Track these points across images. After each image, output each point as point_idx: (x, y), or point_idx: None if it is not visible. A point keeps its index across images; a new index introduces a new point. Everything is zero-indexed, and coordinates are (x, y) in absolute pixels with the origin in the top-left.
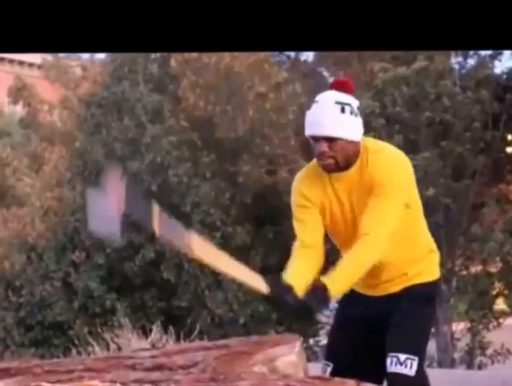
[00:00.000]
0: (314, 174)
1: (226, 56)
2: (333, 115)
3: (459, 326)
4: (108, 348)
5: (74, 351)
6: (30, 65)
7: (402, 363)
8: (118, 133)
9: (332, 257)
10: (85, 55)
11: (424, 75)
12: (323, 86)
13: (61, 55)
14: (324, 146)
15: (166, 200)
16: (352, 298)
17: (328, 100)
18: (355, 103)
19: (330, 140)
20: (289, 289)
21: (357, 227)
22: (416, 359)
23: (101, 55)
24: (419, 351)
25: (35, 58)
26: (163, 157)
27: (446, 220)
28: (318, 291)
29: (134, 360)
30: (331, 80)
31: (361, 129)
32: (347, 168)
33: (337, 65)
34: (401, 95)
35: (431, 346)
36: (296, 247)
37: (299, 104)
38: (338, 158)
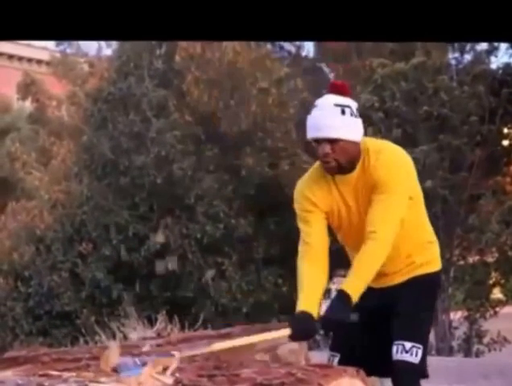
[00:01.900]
0: (318, 177)
1: (229, 52)
2: (334, 117)
3: (456, 315)
4: (114, 337)
5: (81, 340)
6: (39, 62)
7: (407, 351)
8: (124, 128)
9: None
10: (92, 52)
11: (422, 71)
12: (323, 81)
13: (69, 51)
14: (327, 148)
15: (171, 193)
16: None
17: (327, 103)
18: (354, 105)
19: (332, 141)
20: (306, 319)
21: (364, 227)
22: (421, 347)
23: (107, 52)
24: (423, 339)
25: (44, 55)
26: (168, 150)
27: (444, 212)
28: (340, 301)
29: (140, 349)
30: (331, 76)
31: (361, 130)
32: (350, 170)
33: (337, 61)
34: (399, 90)
35: (430, 335)
36: (303, 251)
37: (301, 99)
38: (340, 159)
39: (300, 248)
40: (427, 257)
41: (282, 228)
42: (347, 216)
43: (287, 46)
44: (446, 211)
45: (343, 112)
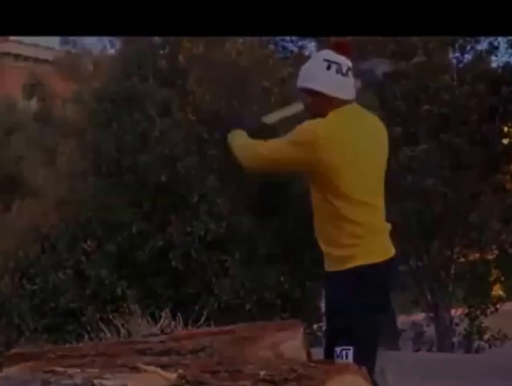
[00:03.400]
0: None
1: (232, 52)
2: (317, 70)
3: (457, 312)
4: (119, 334)
5: (86, 336)
6: (44, 61)
7: (338, 356)
8: (129, 127)
9: None
10: (96, 52)
11: (423, 70)
12: None
13: (74, 51)
14: (309, 99)
15: (174, 191)
16: None
17: (318, 56)
18: (345, 64)
19: (315, 94)
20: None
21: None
22: (351, 348)
23: (111, 51)
24: (352, 339)
25: (49, 54)
26: (172, 150)
27: (445, 210)
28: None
29: (144, 345)
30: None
31: (346, 89)
32: None
33: None
34: (401, 89)
35: (432, 332)
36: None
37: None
38: (317, 112)
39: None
40: (348, 252)
41: (286, 227)
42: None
43: (290, 46)
44: (447, 210)
45: (328, 68)
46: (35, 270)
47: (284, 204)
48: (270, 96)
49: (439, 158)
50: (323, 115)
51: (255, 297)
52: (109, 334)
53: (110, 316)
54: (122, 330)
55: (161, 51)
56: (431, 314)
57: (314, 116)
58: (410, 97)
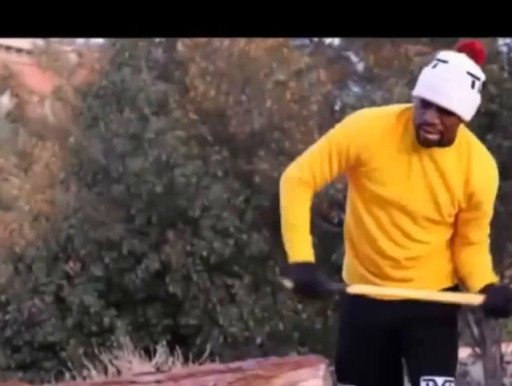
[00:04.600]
0: (395, 131)
1: (240, 40)
2: (463, 88)
3: (509, 347)
4: (106, 372)
5: (67, 375)
6: (19, 51)
7: None
8: (118, 127)
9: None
10: (81, 39)
11: None
12: (350, 73)
13: (53, 39)
14: (436, 117)
15: (172, 203)
16: (362, 304)
17: (460, 67)
18: (482, 79)
19: (445, 112)
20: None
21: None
22: (454, 380)
23: (98, 40)
24: (454, 370)
25: (25, 43)
26: (169, 154)
27: (492, 225)
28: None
29: (136, 385)
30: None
31: (475, 111)
32: (443, 146)
33: (367, 48)
34: None
35: (478, 370)
36: (304, 188)
37: (324, 94)
38: (445, 134)
39: (296, 180)
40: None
41: None
42: (400, 190)
43: None
44: (495, 225)
45: (473, 86)
46: (6, 296)
47: None
48: (286, 90)
49: None
50: (449, 138)
51: (267, 328)
52: (94, 372)
53: (96, 350)
54: (110, 368)
55: (156, 39)
56: (478, 350)
57: (439, 138)
58: None
